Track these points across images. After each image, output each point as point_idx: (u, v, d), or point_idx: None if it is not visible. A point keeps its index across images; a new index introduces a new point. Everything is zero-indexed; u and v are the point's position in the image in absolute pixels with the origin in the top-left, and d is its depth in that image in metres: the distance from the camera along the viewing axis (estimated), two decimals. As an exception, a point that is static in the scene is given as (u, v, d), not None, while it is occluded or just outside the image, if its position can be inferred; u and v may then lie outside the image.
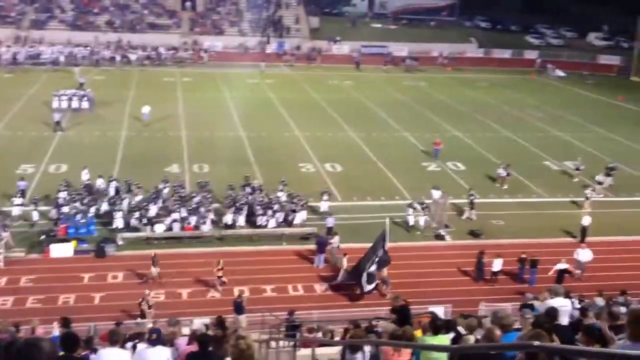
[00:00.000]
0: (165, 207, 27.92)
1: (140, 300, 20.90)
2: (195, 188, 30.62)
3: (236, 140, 40.16)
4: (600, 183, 34.42)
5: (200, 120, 44.14)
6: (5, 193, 29.36)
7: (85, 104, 44.53)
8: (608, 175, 34.80)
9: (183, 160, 35.90)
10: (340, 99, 52.48)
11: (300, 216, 28.43)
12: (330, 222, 27.65)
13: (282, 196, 29.80)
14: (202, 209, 27.66)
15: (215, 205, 29.05)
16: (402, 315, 13.24)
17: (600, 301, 17.92)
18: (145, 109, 41.84)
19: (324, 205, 29.52)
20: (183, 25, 73.71)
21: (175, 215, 27.10)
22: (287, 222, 28.08)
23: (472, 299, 22.58)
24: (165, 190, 29.45)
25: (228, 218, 27.73)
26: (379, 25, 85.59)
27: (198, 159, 36.11)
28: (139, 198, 28.66)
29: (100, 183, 29.93)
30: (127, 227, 26.73)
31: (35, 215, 26.82)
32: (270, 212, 28.10)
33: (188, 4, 76.87)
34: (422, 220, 29.08)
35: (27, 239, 25.83)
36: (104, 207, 27.83)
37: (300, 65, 66.84)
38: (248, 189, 30.27)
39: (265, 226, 27.79)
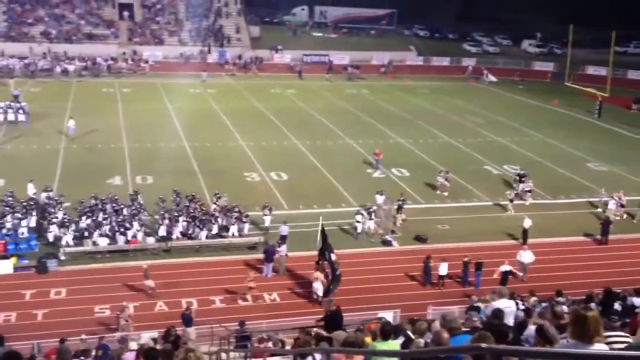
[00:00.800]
0: (98, 220, 27.32)
1: (118, 313, 20.51)
2: (134, 200, 30.05)
3: (180, 151, 39.73)
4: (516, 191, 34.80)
5: (142, 131, 43.47)
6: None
7: (21, 117, 43.26)
8: (521, 182, 35.34)
9: (126, 172, 35.26)
10: (283, 108, 52.55)
11: (238, 228, 28.23)
12: (284, 230, 27.62)
13: (217, 208, 29.41)
14: (134, 222, 27.16)
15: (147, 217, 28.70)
16: (332, 320, 13.21)
17: (533, 301, 18.45)
18: (71, 123, 40.73)
19: (266, 220, 29.22)
20: (121, 35, 72.55)
21: (106, 229, 26.60)
22: (221, 235, 27.87)
23: (420, 303, 22.93)
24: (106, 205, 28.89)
25: (162, 230, 27.31)
26: (320, 34, 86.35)
27: (141, 171, 35.52)
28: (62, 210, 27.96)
29: (44, 196, 29.21)
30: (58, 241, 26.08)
31: None
32: (201, 224, 27.79)
33: (126, 13, 75.72)
34: (371, 224, 29.43)
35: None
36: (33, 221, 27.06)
37: (242, 74, 66.68)
38: (179, 200, 29.94)
39: (196, 238, 27.46)
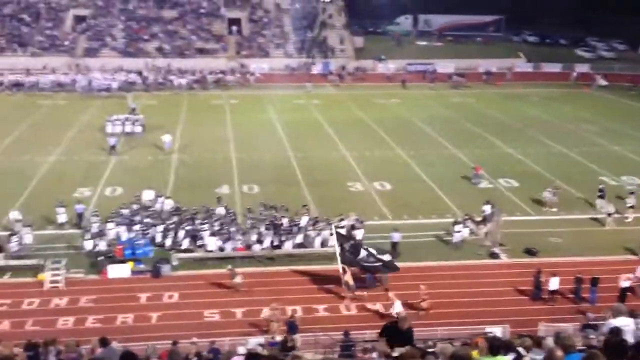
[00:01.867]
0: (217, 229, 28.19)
1: (269, 314, 21.40)
2: (245, 209, 30.82)
3: (284, 161, 40.46)
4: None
5: (249, 141, 44.67)
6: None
7: (137, 129, 45.56)
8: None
9: (233, 182, 36.29)
10: (387, 118, 52.41)
11: (322, 240, 28.15)
12: (396, 237, 27.49)
13: (304, 220, 29.39)
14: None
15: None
16: (395, 334, 12.63)
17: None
18: (167, 138, 41.48)
19: (358, 234, 28.85)
20: (230, 49, 74.99)
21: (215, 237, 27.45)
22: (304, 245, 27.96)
23: (530, 319, 22.04)
24: (220, 211, 29.84)
25: (252, 239, 27.81)
26: (424, 43, 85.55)
27: (247, 180, 36.46)
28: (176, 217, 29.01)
29: (159, 203, 30.63)
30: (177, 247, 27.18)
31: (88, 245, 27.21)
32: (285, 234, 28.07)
33: (234, 28, 78.28)
34: (465, 233, 28.73)
35: (80, 259, 26.41)
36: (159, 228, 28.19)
37: (346, 85, 67.09)
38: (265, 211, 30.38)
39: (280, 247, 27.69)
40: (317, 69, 72.31)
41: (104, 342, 16.10)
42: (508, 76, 70.27)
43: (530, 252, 28.21)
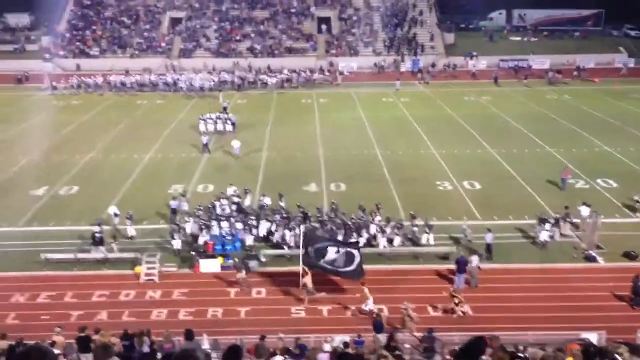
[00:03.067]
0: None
1: (404, 308, 21.53)
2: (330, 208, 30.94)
3: (372, 158, 40.35)
4: None
5: (337, 139, 44.85)
6: (158, 212, 31.34)
7: (229, 127, 46.67)
8: None
9: (321, 179, 36.54)
10: (478, 115, 51.27)
11: (387, 239, 27.81)
12: (489, 238, 26.94)
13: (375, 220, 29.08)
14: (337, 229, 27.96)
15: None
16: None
17: None
18: (236, 144, 40.86)
19: (427, 238, 28.16)
20: (319, 48, 75.56)
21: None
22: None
23: (628, 326, 20.97)
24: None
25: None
26: (518, 39, 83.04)
27: (335, 178, 36.61)
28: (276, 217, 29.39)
29: (248, 200, 31.24)
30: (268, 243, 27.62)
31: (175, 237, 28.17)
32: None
33: (324, 27, 78.80)
34: (545, 235, 27.62)
35: (173, 254, 27.32)
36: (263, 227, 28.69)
37: (436, 82, 66.12)
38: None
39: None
40: (406, 66, 71.70)
41: (189, 335, 16.62)
42: (623, 71, 67.25)
43: (629, 256, 26.84)
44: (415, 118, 50.68)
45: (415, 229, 28.44)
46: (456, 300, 22.95)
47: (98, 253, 26.58)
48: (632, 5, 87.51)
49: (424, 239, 28.01)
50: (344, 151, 41.85)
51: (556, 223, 28.62)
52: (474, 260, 25.37)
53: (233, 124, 46.85)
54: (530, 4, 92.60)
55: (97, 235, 26.86)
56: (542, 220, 28.26)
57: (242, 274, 24.34)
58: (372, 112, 52.90)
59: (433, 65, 71.12)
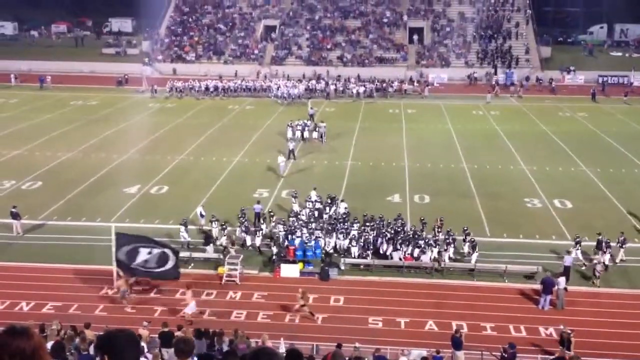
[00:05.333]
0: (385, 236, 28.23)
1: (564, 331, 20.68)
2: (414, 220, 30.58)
3: (459, 172, 39.63)
4: None
5: (423, 151, 44.36)
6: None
7: (315, 134, 47.04)
8: None
9: (405, 191, 36.20)
10: (572, 132, 49.45)
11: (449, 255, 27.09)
12: (567, 260, 25.92)
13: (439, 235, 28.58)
14: (420, 241, 27.56)
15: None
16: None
17: None
18: (281, 160, 39.41)
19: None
20: (410, 58, 75.09)
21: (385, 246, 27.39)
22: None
23: None
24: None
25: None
26: (619, 54, 79.63)
27: (419, 190, 36.19)
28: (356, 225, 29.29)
29: (333, 206, 31.33)
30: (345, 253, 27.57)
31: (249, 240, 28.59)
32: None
33: (415, 37, 78.28)
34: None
35: (254, 257, 27.75)
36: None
37: (529, 96, 64.27)
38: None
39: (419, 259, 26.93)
40: (499, 79, 70.11)
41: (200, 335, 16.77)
42: None
43: None
44: (506, 132, 49.42)
45: (466, 245, 27.65)
46: (302, 302, 22.66)
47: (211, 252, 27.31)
48: None
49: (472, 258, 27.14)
50: (430, 163, 41.32)
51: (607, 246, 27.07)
52: (561, 282, 24.40)
53: (322, 132, 46.96)
54: (633, 19, 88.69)
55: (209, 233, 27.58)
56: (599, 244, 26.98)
57: (121, 282, 24.15)
58: (461, 125, 52.00)
59: (527, 78, 69.18)
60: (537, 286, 24.66)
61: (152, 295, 24.65)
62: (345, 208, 31.25)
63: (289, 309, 23.41)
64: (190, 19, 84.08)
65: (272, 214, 30.82)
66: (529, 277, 26.10)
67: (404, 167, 40.84)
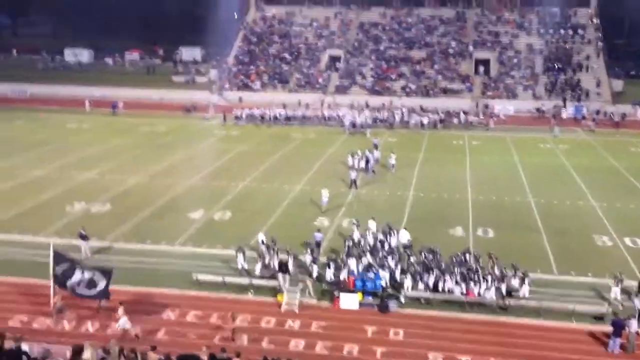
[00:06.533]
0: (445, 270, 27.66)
1: None
2: (479, 254, 29.87)
3: (524, 206, 38.66)
4: None
5: (487, 183, 43.54)
6: (303, 243, 31.89)
7: (371, 164, 46.59)
8: None
9: (468, 224, 35.51)
10: (645, 168, 47.76)
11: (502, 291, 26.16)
12: (638, 304, 24.79)
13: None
14: (487, 277, 26.87)
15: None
16: None
17: None
18: (324, 194, 37.79)
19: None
20: (475, 89, 74.35)
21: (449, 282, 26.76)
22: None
23: None
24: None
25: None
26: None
27: (483, 223, 35.44)
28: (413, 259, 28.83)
29: (393, 237, 30.93)
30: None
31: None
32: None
33: (481, 68, 77.53)
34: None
35: (314, 286, 27.60)
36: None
37: (600, 130, 62.47)
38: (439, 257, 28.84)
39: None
40: (568, 112, 68.45)
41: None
42: None
43: None
44: (574, 167, 48.10)
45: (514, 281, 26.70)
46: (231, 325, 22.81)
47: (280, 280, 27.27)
48: None
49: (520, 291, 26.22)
50: (495, 196, 40.50)
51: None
52: (633, 324, 23.30)
53: (392, 163, 46.56)
54: None
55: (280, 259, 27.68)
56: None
57: (58, 298, 24.20)
58: (527, 158, 50.92)
59: (598, 112, 67.32)
60: (607, 328, 23.62)
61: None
62: (409, 240, 30.86)
63: (220, 329, 23.48)
64: (257, 49, 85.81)
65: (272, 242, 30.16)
66: (599, 318, 25.03)
67: (467, 199, 40.14)
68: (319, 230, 31.92)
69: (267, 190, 41.64)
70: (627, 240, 32.97)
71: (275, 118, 65.40)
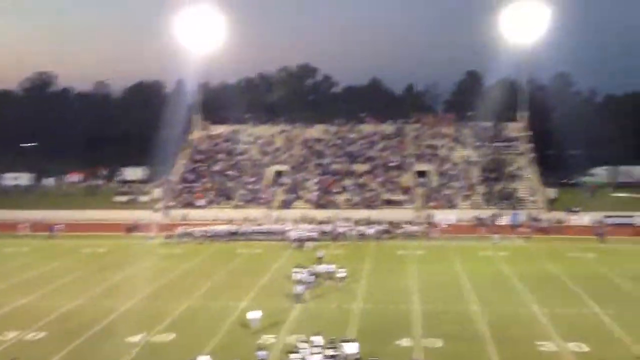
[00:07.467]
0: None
1: None
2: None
3: (469, 315, 38.80)
4: None
5: (433, 293, 43.75)
6: (248, 362, 31.04)
7: (322, 277, 46.58)
8: None
9: (414, 335, 35.27)
10: (582, 273, 48.97)
11: None
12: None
13: None
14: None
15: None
16: None
17: None
18: (253, 315, 36.34)
19: None
20: (417, 201, 76.19)
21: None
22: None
23: None
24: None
25: None
26: (624, 195, 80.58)
27: (431, 333, 35.26)
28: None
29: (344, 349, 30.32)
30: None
31: None
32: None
33: (422, 180, 79.95)
34: None
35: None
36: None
37: (537, 237, 64.42)
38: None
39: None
40: (505, 220, 70.54)
41: None
42: None
43: None
44: (515, 273, 49.02)
45: None
46: None
47: None
48: None
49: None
50: (441, 305, 40.62)
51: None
52: None
53: (312, 274, 46.39)
54: (637, 160, 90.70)
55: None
56: None
57: None
58: (469, 266, 51.76)
59: (534, 219, 69.59)
60: None
61: None
62: (357, 353, 30.29)
63: None
64: (202, 166, 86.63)
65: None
66: None
67: (414, 309, 40.09)
68: (259, 348, 31.11)
69: (212, 309, 40.72)
70: (571, 345, 33.22)
71: (221, 234, 65.11)
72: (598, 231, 63.86)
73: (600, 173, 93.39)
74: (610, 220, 68.43)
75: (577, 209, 71.60)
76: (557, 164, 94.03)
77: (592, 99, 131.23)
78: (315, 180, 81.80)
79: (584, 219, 69.73)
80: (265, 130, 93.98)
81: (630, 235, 63.20)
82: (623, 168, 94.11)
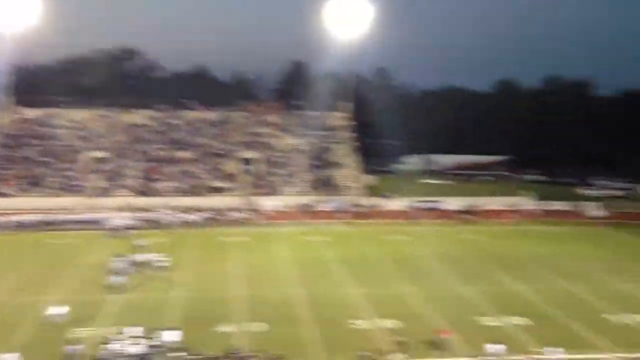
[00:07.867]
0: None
1: None
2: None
3: (293, 299, 39.75)
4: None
5: (258, 278, 44.38)
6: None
7: (145, 265, 45.20)
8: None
9: (238, 320, 35.45)
10: (396, 254, 52.35)
11: None
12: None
13: None
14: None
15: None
16: None
17: None
18: (56, 310, 34.66)
19: None
20: (242, 188, 76.42)
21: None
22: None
23: None
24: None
25: None
26: (433, 181, 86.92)
27: (256, 318, 35.67)
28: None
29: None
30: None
31: None
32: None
33: (248, 167, 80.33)
34: None
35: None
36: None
37: (355, 222, 67.55)
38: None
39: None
40: (327, 206, 72.97)
41: None
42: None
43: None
44: (336, 257, 51.12)
45: None
46: None
47: None
48: (539, 151, 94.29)
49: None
50: (266, 290, 41.23)
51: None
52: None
53: (152, 263, 45.33)
54: (444, 150, 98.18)
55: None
56: None
57: None
58: (294, 251, 53.08)
59: (354, 205, 72.76)
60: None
61: None
62: (180, 340, 29.79)
63: None
64: (12, 153, 79.96)
65: None
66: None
67: (240, 295, 40.27)
68: (71, 343, 29.47)
69: (20, 305, 37.87)
70: (383, 322, 35.23)
71: (30, 224, 60.69)
72: (410, 215, 68.27)
73: (413, 161, 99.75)
74: (419, 205, 73.37)
75: (388, 194, 75.92)
76: (376, 153, 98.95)
77: (409, 93, 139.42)
78: (138, 167, 78.98)
79: (398, 204, 74.13)
80: (83, 114, 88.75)
81: (436, 218, 68.66)
82: (434, 157, 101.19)
